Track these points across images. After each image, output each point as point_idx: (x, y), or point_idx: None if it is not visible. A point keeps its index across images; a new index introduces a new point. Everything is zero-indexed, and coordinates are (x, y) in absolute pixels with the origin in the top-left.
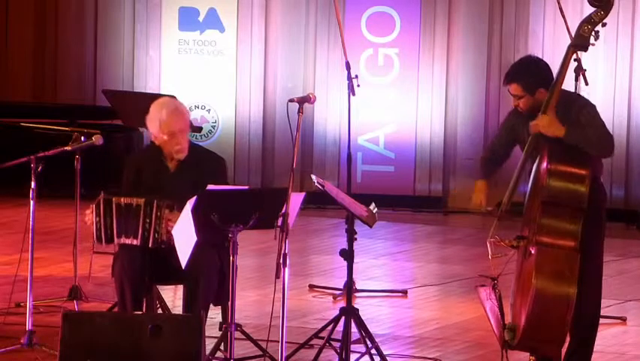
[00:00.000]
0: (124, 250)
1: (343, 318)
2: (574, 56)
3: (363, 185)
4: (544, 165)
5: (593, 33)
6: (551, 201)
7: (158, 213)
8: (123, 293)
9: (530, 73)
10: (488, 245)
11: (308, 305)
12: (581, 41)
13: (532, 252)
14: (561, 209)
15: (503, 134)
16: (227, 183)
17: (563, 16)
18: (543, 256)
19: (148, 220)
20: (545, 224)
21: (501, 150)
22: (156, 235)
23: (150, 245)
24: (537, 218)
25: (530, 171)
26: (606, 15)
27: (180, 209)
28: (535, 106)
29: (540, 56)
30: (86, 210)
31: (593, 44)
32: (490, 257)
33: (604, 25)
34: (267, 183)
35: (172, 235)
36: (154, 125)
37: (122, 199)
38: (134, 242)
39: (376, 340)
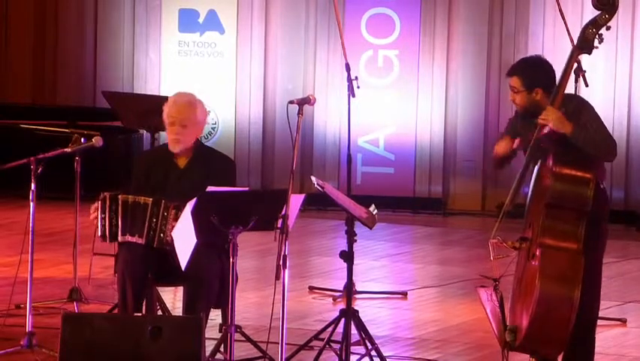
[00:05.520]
0: (128, 246)
1: (343, 320)
2: None
3: (362, 186)
4: (549, 167)
5: (597, 36)
6: (555, 204)
7: (165, 213)
8: (124, 290)
9: (533, 71)
10: (490, 246)
11: (308, 307)
12: (585, 44)
13: (536, 254)
14: (565, 212)
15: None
16: (234, 186)
17: (563, 19)
18: (547, 258)
19: (154, 220)
20: (549, 226)
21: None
22: (161, 235)
23: (155, 245)
24: (541, 220)
25: (532, 173)
26: (611, 18)
27: None
28: (530, 106)
29: None
30: (91, 205)
31: (596, 47)
32: (491, 258)
33: (608, 28)
34: (266, 185)
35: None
36: (166, 109)
37: (130, 197)
38: (139, 241)
39: (376, 341)
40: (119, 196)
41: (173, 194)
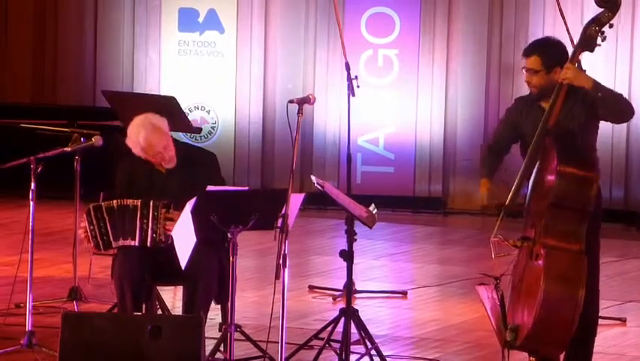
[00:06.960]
0: (123, 250)
1: (343, 319)
2: None
3: (362, 186)
4: (553, 167)
5: (600, 34)
6: (559, 204)
7: (155, 213)
8: (123, 293)
9: (553, 49)
10: (491, 244)
11: (308, 306)
12: (588, 42)
13: (541, 254)
14: (568, 212)
15: (504, 132)
16: (222, 178)
17: (563, 18)
18: (551, 259)
19: (145, 221)
20: (553, 227)
21: (502, 144)
22: (154, 235)
23: (149, 245)
24: (544, 221)
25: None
26: (613, 16)
27: (177, 208)
28: (547, 86)
29: None
30: (79, 226)
31: (599, 45)
32: (493, 256)
33: (611, 26)
34: (266, 184)
35: (171, 235)
36: (137, 150)
37: (115, 202)
38: (132, 243)
39: (376, 341)
40: (102, 204)
41: (161, 196)
